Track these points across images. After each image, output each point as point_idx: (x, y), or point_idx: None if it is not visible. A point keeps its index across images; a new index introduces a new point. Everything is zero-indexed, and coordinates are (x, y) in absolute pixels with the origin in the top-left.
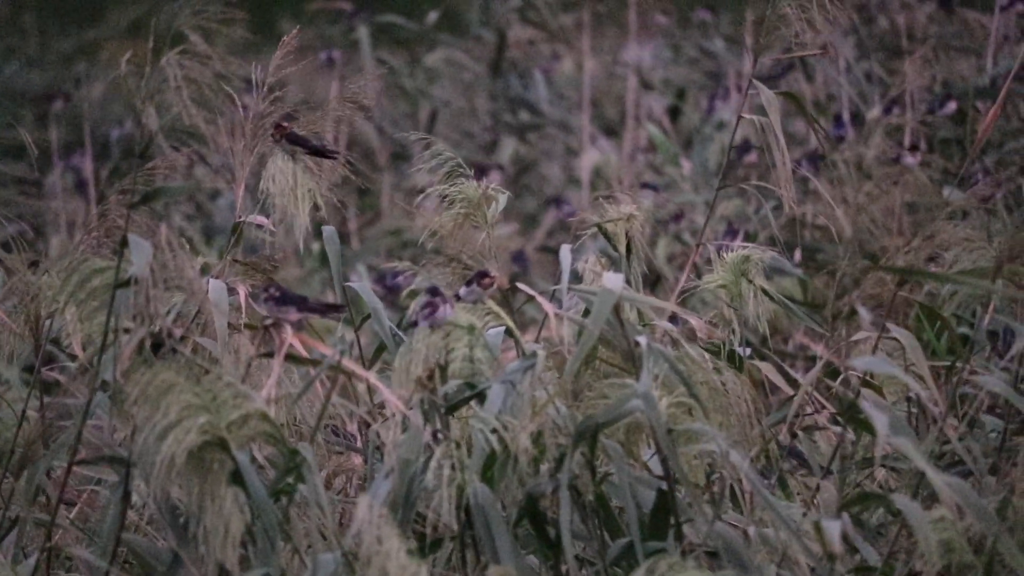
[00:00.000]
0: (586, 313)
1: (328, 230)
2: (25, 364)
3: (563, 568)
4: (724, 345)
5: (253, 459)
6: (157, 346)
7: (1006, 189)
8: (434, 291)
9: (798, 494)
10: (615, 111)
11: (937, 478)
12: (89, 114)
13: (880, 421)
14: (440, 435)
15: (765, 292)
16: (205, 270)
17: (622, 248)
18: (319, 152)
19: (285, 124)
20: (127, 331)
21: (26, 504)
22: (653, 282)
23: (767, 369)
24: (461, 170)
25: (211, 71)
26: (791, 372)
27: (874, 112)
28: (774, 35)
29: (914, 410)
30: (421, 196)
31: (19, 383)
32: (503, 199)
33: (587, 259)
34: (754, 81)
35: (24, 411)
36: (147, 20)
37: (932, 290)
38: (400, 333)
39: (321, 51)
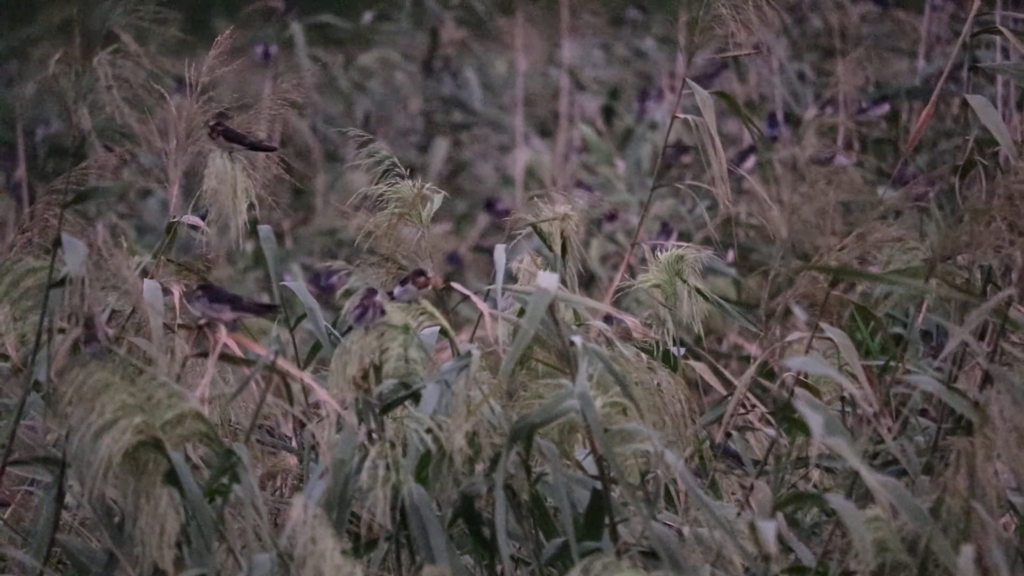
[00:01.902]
0: (521, 313)
1: (264, 229)
2: None
3: (498, 568)
4: (658, 345)
5: (188, 459)
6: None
7: (939, 189)
8: (372, 292)
9: (732, 494)
10: (548, 111)
11: (871, 478)
12: (21, 114)
13: (815, 421)
14: (375, 435)
15: (699, 292)
16: (140, 270)
17: (557, 248)
18: (257, 147)
19: (222, 121)
20: (61, 331)
21: None
22: (587, 282)
23: (701, 369)
24: (396, 169)
25: (144, 70)
26: (725, 372)
27: (808, 112)
28: (707, 35)
29: (848, 410)
30: (356, 196)
31: None
32: (438, 199)
33: (522, 259)
34: (688, 81)
35: None
36: (80, 19)
37: (866, 290)
38: (335, 333)
39: (255, 49)
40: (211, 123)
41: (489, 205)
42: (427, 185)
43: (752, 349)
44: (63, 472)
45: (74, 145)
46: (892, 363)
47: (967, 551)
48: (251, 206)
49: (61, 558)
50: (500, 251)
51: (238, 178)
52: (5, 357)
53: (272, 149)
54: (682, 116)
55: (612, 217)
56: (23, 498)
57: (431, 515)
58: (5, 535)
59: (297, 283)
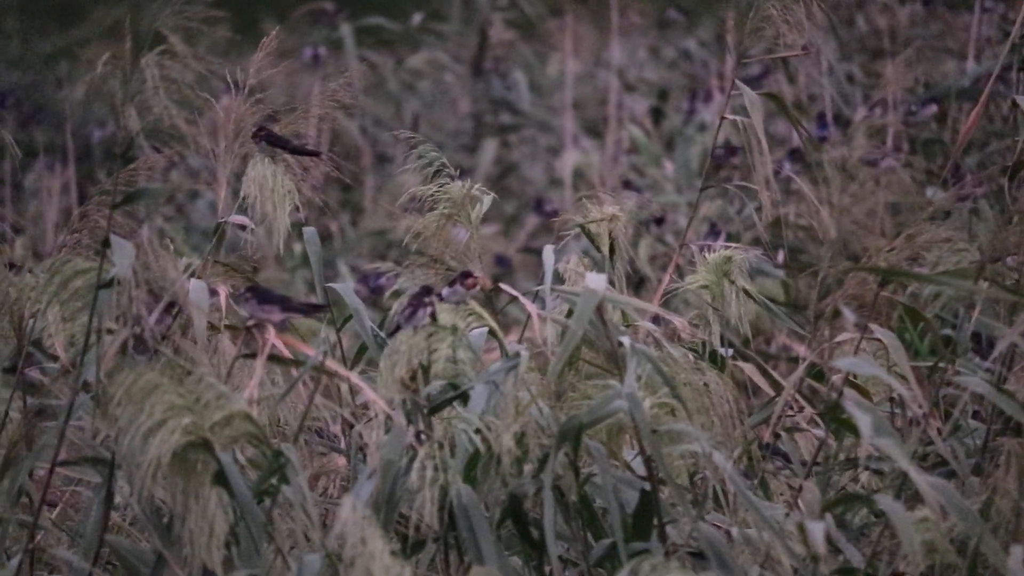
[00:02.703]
0: (569, 314)
1: (309, 231)
2: (7, 365)
3: (547, 569)
4: (706, 346)
5: (236, 460)
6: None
7: (988, 190)
8: (421, 293)
9: (781, 495)
10: (597, 112)
11: (920, 479)
12: (71, 115)
13: (864, 422)
14: (423, 436)
15: (747, 293)
16: (187, 271)
17: (605, 249)
18: (300, 151)
19: (265, 125)
20: (110, 332)
21: (9, 505)
22: (636, 283)
23: (749, 370)
24: (445, 171)
25: (192, 72)
26: (773, 373)
27: (857, 113)
28: (757, 36)
29: (897, 411)
30: (405, 197)
31: (1, 384)
32: (487, 200)
33: (570, 260)
34: (737, 82)
35: (7, 412)
36: (129, 21)
37: (915, 291)
38: (382, 334)
39: (304, 51)
40: (254, 127)
41: (538, 206)
42: (476, 186)
43: (800, 350)
44: (112, 473)
45: (122, 147)
46: (941, 364)
47: (1017, 552)
48: (297, 208)
49: (110, 559)
50: (548, 252)
51: (280, 181)
52: (54, 358)
53: (315, 154)
54: (731, 118)
55: (660, 219)
56: (72, 498)
57: (479, 516)
58: (54, 535)
59: (344, 284)
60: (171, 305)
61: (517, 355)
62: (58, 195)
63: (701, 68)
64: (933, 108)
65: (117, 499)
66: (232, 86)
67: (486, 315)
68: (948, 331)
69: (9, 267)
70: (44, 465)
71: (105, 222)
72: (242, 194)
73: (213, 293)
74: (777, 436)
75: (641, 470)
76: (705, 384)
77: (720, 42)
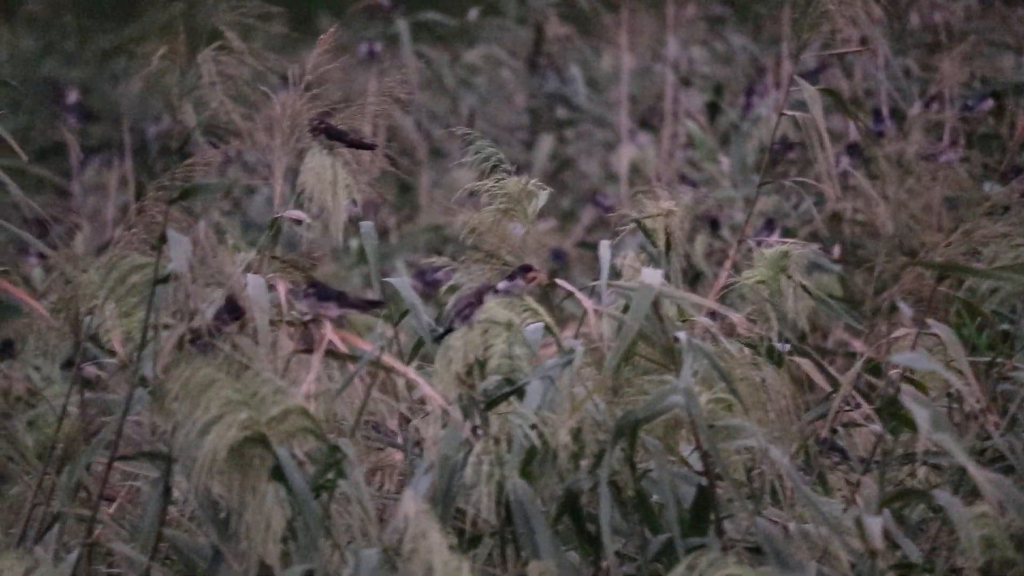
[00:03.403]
0: (625, 309)
1: (366, 226)
2: (65, 360)
3: (603, 564)
4: (763, 341)
5: (293, 455)
6: (196, 341)
7: None
8: (477, 288)
9: (838, 490)
10: (653, 107)
11: (978, 474)
12: (127, 111)
13: (921, 417)
14: (479, 431)
15: (804, 288)
16: (244, 266)
17: (661, 244)
18: (358, 144)
19: (322, 118)
20: (167, 327)
21: (67, 500)
22: (692, 278)
23: (806, 365)
24: (501, 166)
25: (248, 67)
26: (830, 369)
27: (914, 108)
28: (814, 31)
29: (955, 406)
30: (461, 192)
31: (59, 379)
32: (543, 195)
33: (626, 255)
34: (796, 78)
35: (64, 407)
36: (186, 17)
37: (972, 286)
38: (438, 329)
39: (359, 47)
40: (312, 120)
41: (594, 201)
42: (532, 181)
43: (857, 346)
44: (169, 467)
45: (179, 142)
46: (999, 359)
47: None
48: (354, 203)
49: (168, 553)
50: (605, 247)
51: (338, 175)
52: (112, 353)
53: (373, 147)
54: (789, 113)
55: (716, 213)
56: (130, 493)
57: (536, 511)
58: (112, 530)
59: (400, 279)
60: (233, 304)
61: (573, 350)
62: (115, 191)
63: (756, 63)
64: (990, 103)
65: (175, 494)
66: (288, 81)
67: (542, 310)
68: (1006, 326)
69: (68, 263)
70: (102, 460)
71: (162, 217)
72: (298, 186)
73: (271, 288)
74: (834, 431)
75: (698, 465)
76: (762, 379)
77: (775, 37)
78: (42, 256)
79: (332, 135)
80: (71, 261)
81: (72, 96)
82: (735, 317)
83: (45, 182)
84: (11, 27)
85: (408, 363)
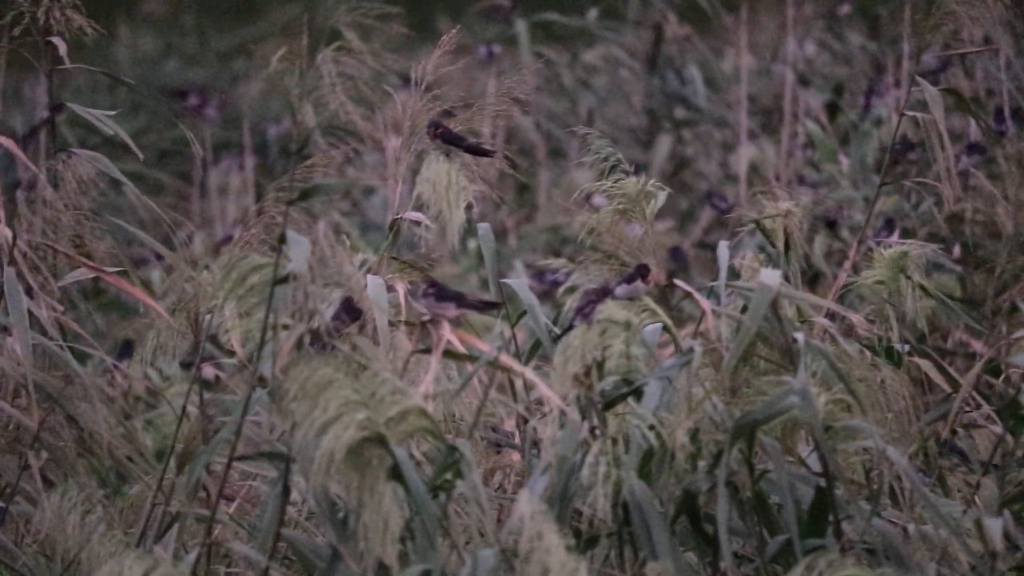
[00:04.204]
0: (743, 310)
1: (483, 227)
2: (185, 361)
3: (721, 565)
4: (882, 342)
5: (411, 455)
6: (315, 341)
7: None
8: (595, 288)
9: (958, 491)
10: (772, 107)
11: None
12: (247, 111)
13: None
14: (597, 431)
15: (923, 288)
16: (363, 267)
17: (780, 244)
18: (475, 151)
19: (440, 122)
20: (286, 327)
21: (187, 500)
22: (811, 279)
23: (926, 366)
24: (620, 166)
25: (367, 68)
26: (950, 370)
27: None
28: (937, 32)
29: None
30: (579, 192)
31: (179, 379)
32: (662, 196)
33: (745, 255)
34: (918, 78)
35: (184, 407)
36: (305, 17)
37: None
38: (556, 330)
39: (477, 48)
40: (429, 125)
41: (712, 201)
42: (650, 182)
43: (977, 346)
44: (288, 467)
45: (298, 143)
46: None
47: None
48: (471, 205)
49: (286, 553)
50: (723, 248)
51: (455, 179)
52: (231, 353)
53: (490, 153)
54: (910, 114)
55: (836, 214)
56: (249, 493)
57: (653, 511)
58: (231, 529)
59: (518, 280)
60: (351, 304)
61: (691, 351)
62: (235, 191)
63: (876, 62)
64: None
65: (293, 494)
66: (408, 82)
67: (660, 311)
68: None
69: (188, 263)
70: (221, 460)
71: (281, 218)
72: (416, 192)
73: (390, 289)
74: (954, 433)
75: (817, 466)
76: (881, 380)
77: (895, 36)
78: (161, 257)
79: (449, 139)
80: (190, 262)
81: (193, 98)
82: (854, 317)
83: (164, 184)
84: (131, 28)
85: (526, 364)
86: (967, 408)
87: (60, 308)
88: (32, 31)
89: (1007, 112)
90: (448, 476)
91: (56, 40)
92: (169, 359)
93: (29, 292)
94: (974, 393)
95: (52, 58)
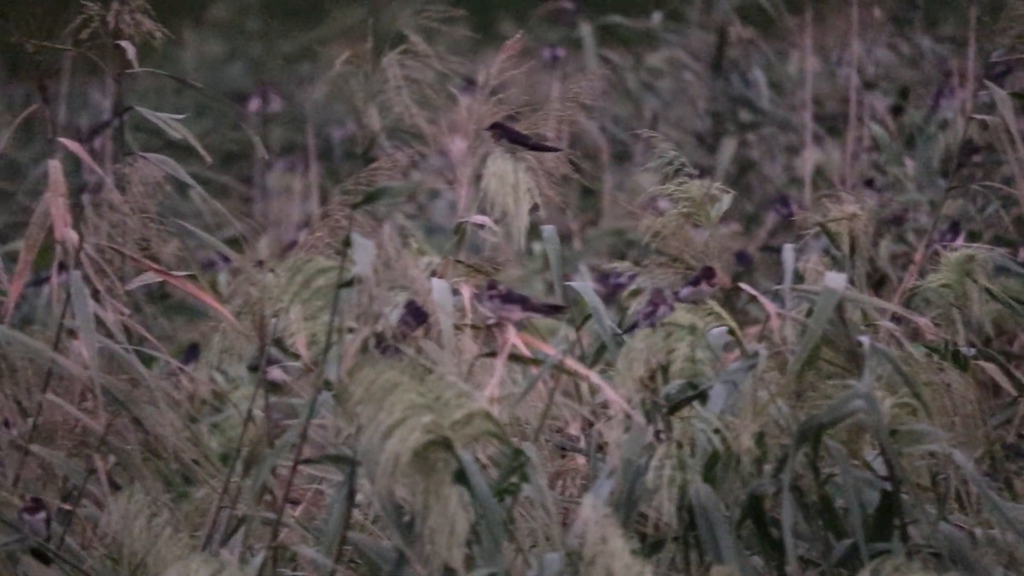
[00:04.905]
0: (809, 313)
1: (548, 230)
2: (250, 364)
3: (786, 569)
4: (948, 345)
5: (476, 459)
6: (381, 344)
7: None
8: (660, 291)
9: None
10: (837, 110)
11: None
12: (312, 115)
13: None
14: (662, 435)
15: (989, 292)
16: (429, 270)
17: (845, 248)
18: (539, 148)
19: (503, 123)
20: (351, 330)
21: (252, 503)
22: (876, 282)
23: (992, 370)
24: (684, 169)
25: (432, 71)
26: (1016, 373)
27: None
28: (1005, 34)
29: None
30: (644, 196)
31: (245, 383)
32: (727, 199)
33: (810, 259)
34: (986, 82)
35: (250, 410)
36: (370, 21)
37: None
38: (620, 333)
39: (542, 51)
40: (493, 126)
41: (777, 205)
42: (715, 185)
43: None
44: (353, 471)
45: (364, 146)
46: None
47: None
48: (536, 207)
49: (352, 556)
50: (788, 251)
51: (520, 179)
52: (296, 356)
53: (554, 150)
54: (978, 117)
55: (901, 217)
56: (314, 496)
57: (719, 515)
58: (297, 533)
59: (583, 283)
60: (417, 308)
61: (756, 354)
62: (300, 195)
63: (943, 65)
64: None
65: (359, 497)
66: (473, 85)
67: (725, 314)
68: None
69: (253, 266)
70: (287, 463)
71: (346, 221)
72: (480, 192)
73: (455, 292)
74: (1021, 436)
75: (882, 470)
76: (947, 384)
77: (962, 39)
78: (227, 260)
79: (513, 139)
80: (256, 265)
81: (256, 101)
82: (920, 321)
83: (230, 187)
84: (197, 33)
85: (591, 367)
86: None
87: (126, 311)
88: (100, 35)
89: None
90: (513, 480)
91: (125, 44)
92: (235, 362)
93: (95, 295)
94: None
95: (120, 62)
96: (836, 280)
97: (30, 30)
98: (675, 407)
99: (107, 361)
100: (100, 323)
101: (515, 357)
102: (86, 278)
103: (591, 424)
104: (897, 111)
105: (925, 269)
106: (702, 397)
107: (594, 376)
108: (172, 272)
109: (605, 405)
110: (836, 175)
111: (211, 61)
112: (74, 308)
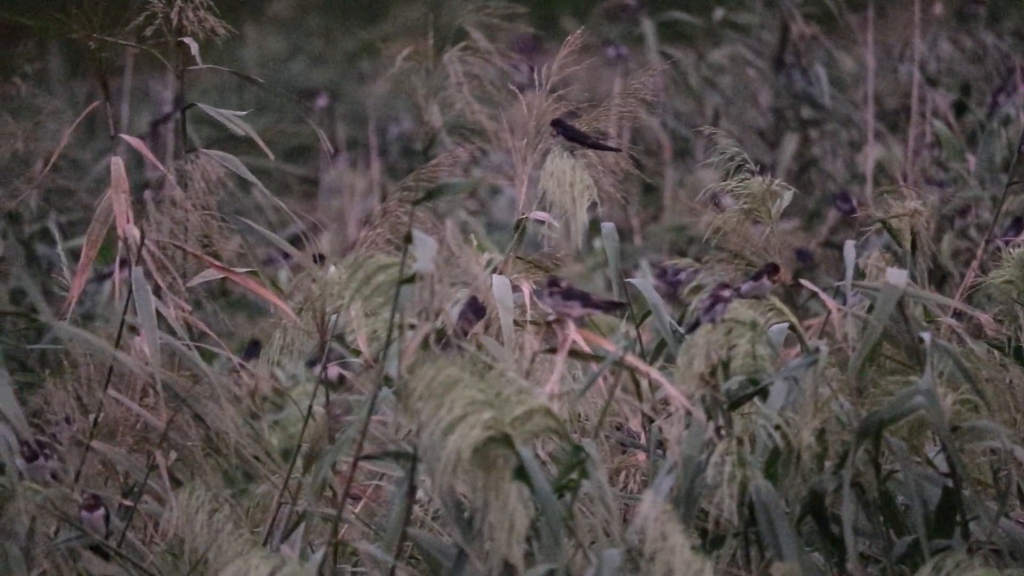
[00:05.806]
0: (870, 309)
1: (607, 226)
2: (311, 360)
3: (847, 565)
4: (1010, 342)
5: (537, 455)
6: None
7: None
8: (722, 287)
9: None
10: (898, 106)
11: None
12: (373, 111)
13: None
14: (722, 431)
15: None
16: (489, 267)
17: (907, 244)
18: (597, 146)
19: (562, 120)
20: (411, 327)
21: (313, 499)
22: (938, 279)
23: None
24: (746, 165)
25: (493, 68)
26: None
27: None
28: None
29: None
30: (705, 192)
31: (305, 379)
32: (788, 195)
33: (871, 255)
34: None
35: (310, 407)
36: (431, 17)
37: None
38: (681, 329)
39: (603, 48)
40: (553, 123)
41: (839, 201)
42: (776, 181)
43: None
44: (414, 467)
45: (425, 142)
46: None
47: None
48: (596, 204)
49: (412, 552)
50: (850, 247)
51: (578, 176)
52: (357, 353)
53: (613, 149)
54: None
55: (964, 213)
56: (375, 492)
57: (779, 512)
58: (358, 529)
59: (642, 280)
60: (477, 304)
61: (817, 351)
62: (361, 191)
63: (1007, 61)
64: None
65: (419, 493)
66: (534, 82)
67: (786, 310)
68: None
69: (315, 262)
70: (347, 459)
71: (407, 217)
72: (540, 188)
73: (516, 289)
74: None
75: (943, 466)
76: (1009, 381)
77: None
78: (288, 256)
79: (571, 136)
80: (318, 261)
81: (324, 98)
82: (982, 317)
83: (291, 183)
84: (258, 29)
85: (651, 363)
86: None
87: (187, 307)
88: (163, 31)
89: None
90: (573, 476)
91: (188, 40)
92: (295, 359)
93: (157, 292)
94: None
95: (183, 58)
96: (897, 276)
97: (92, 27)
98: (736, 403)
99: (168, 357)
100: (162, 319)
101: (575, 353)
102: (148, 274)
103: (651, 420)
104: (959, 107)
105: (987, 265)
106: (763, 393)
107: (654, 372)
108: (233, 269)
109: (665, 401)
110: (898, 171)
111: (272, 58)
112: (136, 304)
